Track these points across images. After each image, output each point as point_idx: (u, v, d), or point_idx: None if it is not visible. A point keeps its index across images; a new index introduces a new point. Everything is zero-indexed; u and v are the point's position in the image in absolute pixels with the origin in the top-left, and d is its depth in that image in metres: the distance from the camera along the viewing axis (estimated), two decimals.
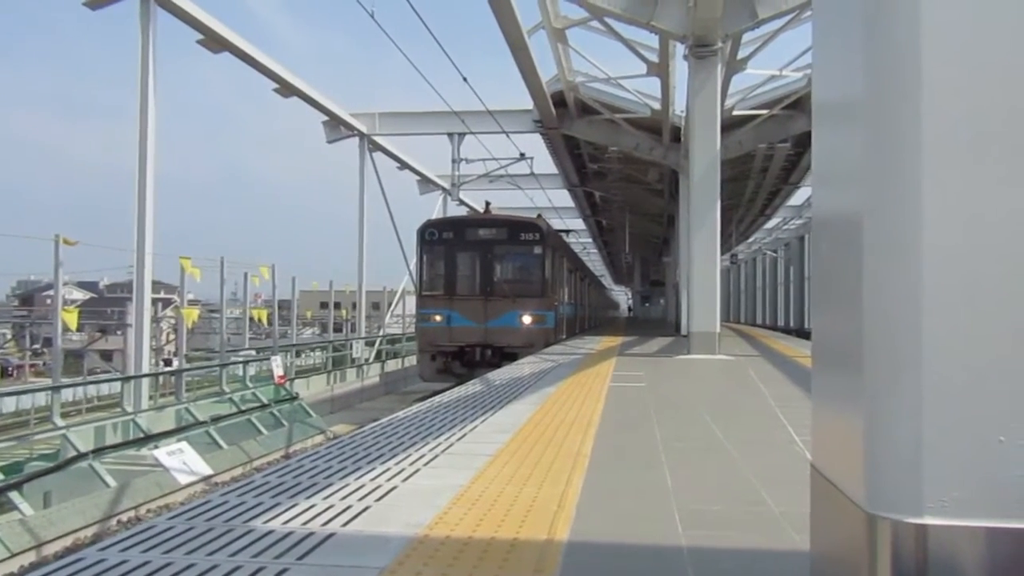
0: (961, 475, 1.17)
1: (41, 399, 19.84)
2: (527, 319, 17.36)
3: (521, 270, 18.56)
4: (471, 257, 18.24)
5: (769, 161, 25.29)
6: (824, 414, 1.51)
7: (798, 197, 33.26)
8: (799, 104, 19.67)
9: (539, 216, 21.78)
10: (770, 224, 41.68)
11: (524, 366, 11.95)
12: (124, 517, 9.21)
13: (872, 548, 1.21)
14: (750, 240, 48.62)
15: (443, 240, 18.32)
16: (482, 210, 21.83)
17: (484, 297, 17.58)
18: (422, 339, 18.47)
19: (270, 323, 23.11)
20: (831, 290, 1.51)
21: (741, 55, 16.16)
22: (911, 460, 1.19)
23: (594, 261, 55.84)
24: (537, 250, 17.98)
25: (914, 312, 1.21)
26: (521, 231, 18.17)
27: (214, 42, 16.33)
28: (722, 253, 18.34)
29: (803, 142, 23.05)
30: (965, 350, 1.19)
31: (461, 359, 17.57)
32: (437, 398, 7.64)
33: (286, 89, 19.98)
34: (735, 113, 19.48)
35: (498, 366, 13.55)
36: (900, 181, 1.27)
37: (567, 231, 31.35)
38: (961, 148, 1.24)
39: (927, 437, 1.18)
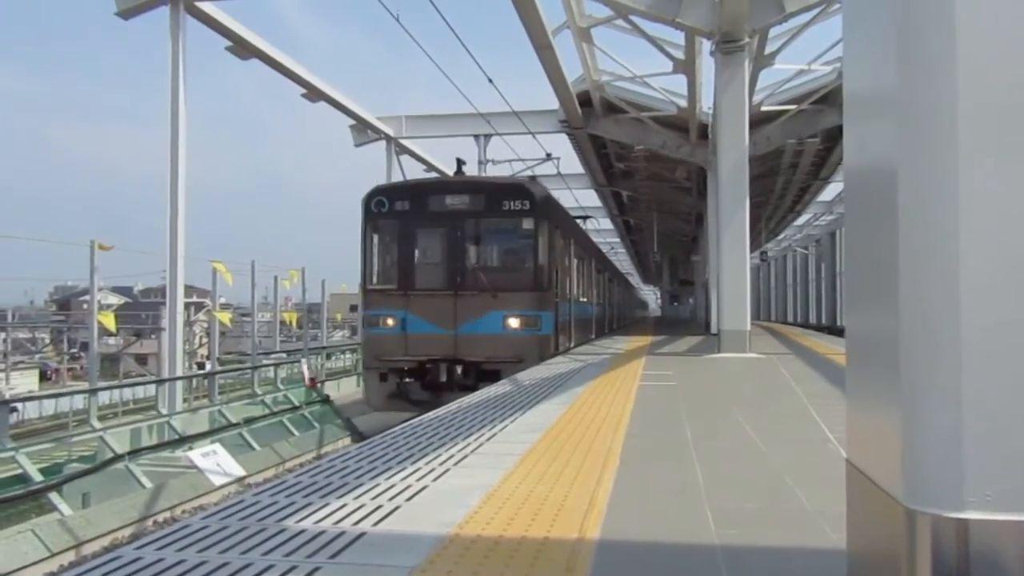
0: (1004, 468, 1.14)
1: (79, 402, 20.22)
2: (513, 322, 12.92)
3: (506, 253, 14.16)
4: (435, 236, 13.72)
5: (799, 156, 25.00)
6: (860, 408, 1.49)
7: (828, 192, 32.86)
8: (828, 98, 19.42)
9: (532, 179, 17.09)
10: (800, 220, 41.24)
11: (543, 369, 11.05)
12: (160, 518, 9.35)
13: (911, 544, 1.19)
14: (780, 237, 48.11)
15: (396, 213, 13.66)
16: (452, 172, 16.06)
17: (453, 292, 13.13)
18: (368, 352, 13.85)
19: (300, 326, 23.31)
20: (866, 283, 1.48)
21: (769, 50, 15.99)
22: (951, 454, 1.16)
23: (622, 260, 55.63)
24: (527, 224, 13.37)
25: (952, 303, 1.18)
26: (504, 198, 13.42)
27: (243, 48, 16.52)
28: (751, 250, 18.08)
29: (833, 136, 22.75)
30: (1004, 340, 1.16)
31: (422, 379, 13.13)
32: (466, 399, 7.66)
33: (314, 94, 20.16)
34: (763, 109, 19.28)
35: (472, 389, 10.19)
36: (935, 172, 1.25)
37: (584, 217, 27.16)
38: (996, 139, 1.22)
39: (967, 430, 1.15)
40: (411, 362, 13.13)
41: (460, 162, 15.60)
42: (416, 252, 13.83)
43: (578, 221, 22.07)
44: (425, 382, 13.07)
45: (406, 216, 13.64)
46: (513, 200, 13.37)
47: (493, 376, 11.57)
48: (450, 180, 15.49)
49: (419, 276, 13.55)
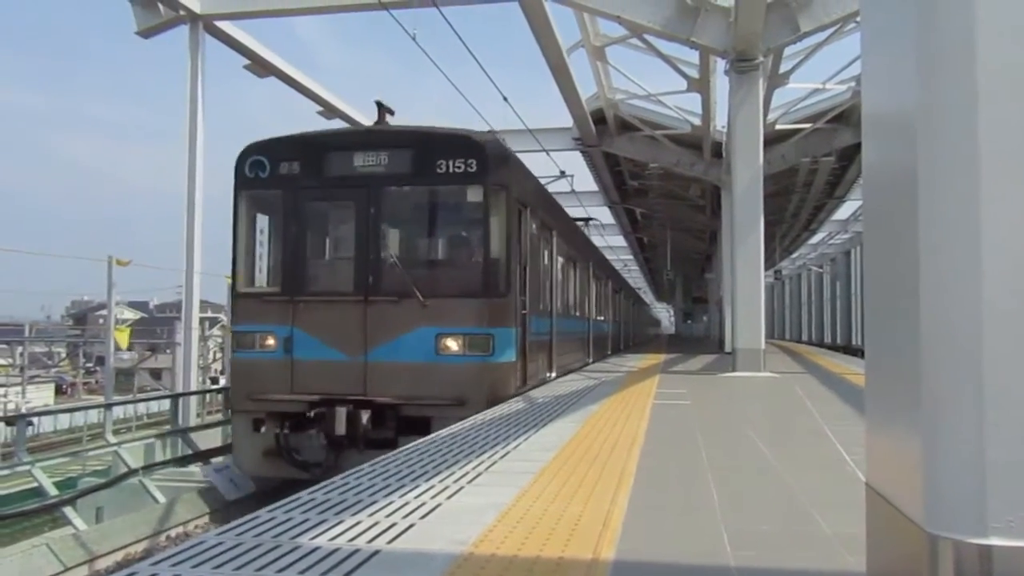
0: None
1: (93, 416, 20.33)
2: (452, 344, 8.73)
3: (443, 240, 9.77)
4: (337, 214, 9.85)
5: (813, 175, 24.97)
6: (880, 430, 1.47)
7: (843, 211, 32.80)
8: (843, 117, 19.41)
9: (490, 132, 12.48)
10: (815, 239, 41.12)
11: (556, 387, 10.52)
12: (173, 533, 9.36)
13: (933, 570, 1.17)
14: (794, 255, 47.95)
15: (280, 180, 9.27)
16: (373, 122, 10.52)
17: (363, 298, 8.92)
18: (236, 387, 9.55)
19: None
20: (886, 304, 1.47)
21: (783, 69, 16.03)
22: (973, 478, 1.14)
23: (636, 277, 55.55)
24: (474, 194, 9.13)
25: (974, 321, 1.17)
26: (439, 156, 8.88)
27: (260, 67, 16.73)
28: (766, 269, 17.97)
29: (848, 155, 22.72)
30: None
31: (317, 430, 8.75)
32: (481, 415, 7.64)
33: (329, 111, 20.35)
34: (778, 127, 19.29)
35: (390, 446, 6.90)
36: (956, 191, 1.24)
37: (587, 220, 22.55)
38: (1017, 157, 1.21)
39: (991, 453, 1.14)
40: (298, 403, 8.81)
41: (382, 107, 10.12)
42: (309, 238, 9.62)
43: (578, 224, 18.75)
44: (319, 434, 8.75)
45: (295, 184, 9.21)
46: (453, 159, 8.82)
47: (420, 427, 7.91)
48: (360, 131, 11.36)
49: (312, 274, 9.53)
